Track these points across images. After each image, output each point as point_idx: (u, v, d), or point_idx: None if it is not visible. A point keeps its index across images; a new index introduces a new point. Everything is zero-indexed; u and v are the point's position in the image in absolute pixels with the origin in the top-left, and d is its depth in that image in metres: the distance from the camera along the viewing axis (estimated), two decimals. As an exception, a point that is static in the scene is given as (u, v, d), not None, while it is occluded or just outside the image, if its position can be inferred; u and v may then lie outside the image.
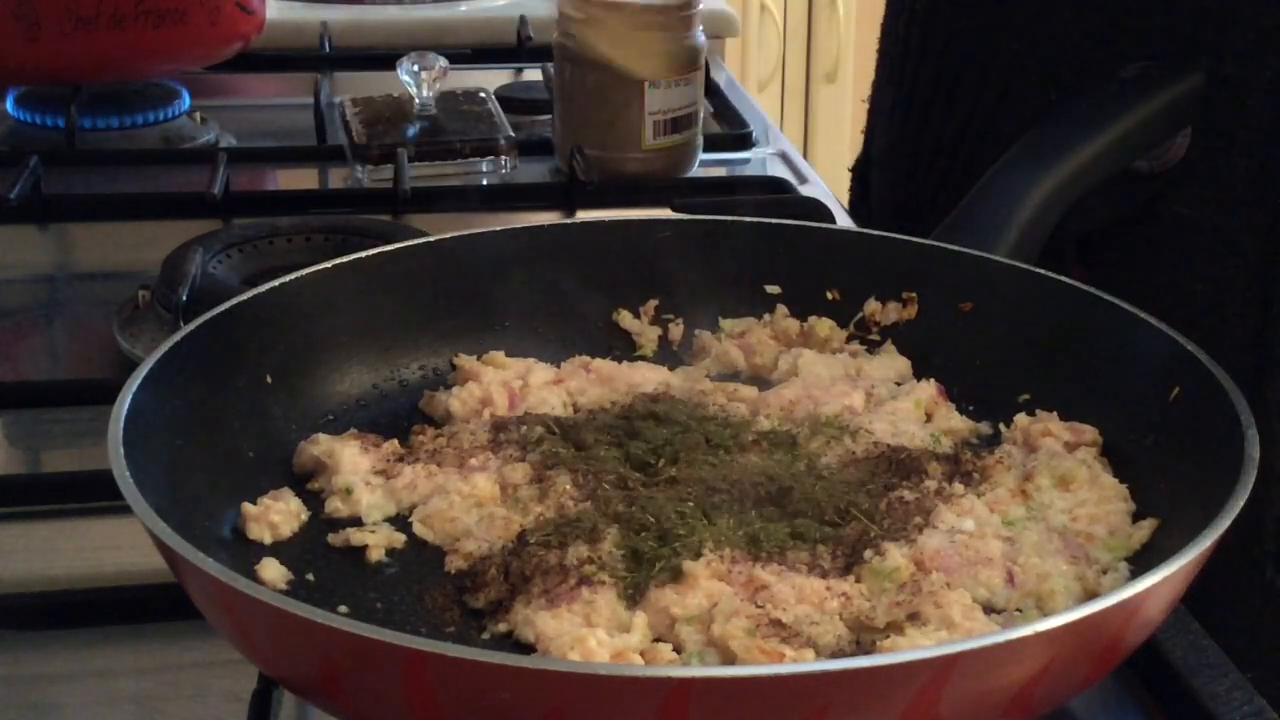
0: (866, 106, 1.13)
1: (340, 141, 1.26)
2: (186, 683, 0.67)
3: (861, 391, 0.74)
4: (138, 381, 0.64)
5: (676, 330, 0.82)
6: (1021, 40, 0.92)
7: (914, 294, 0.79)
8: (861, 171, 1.13)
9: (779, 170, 1.28)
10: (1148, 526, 0.64)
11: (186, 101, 1.35)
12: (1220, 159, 0.86)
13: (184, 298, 0.90)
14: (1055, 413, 0.71)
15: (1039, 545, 0.63)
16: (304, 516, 0.67)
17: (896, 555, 0.61)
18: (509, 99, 1.35)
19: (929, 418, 0.74)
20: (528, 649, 0.59)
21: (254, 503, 0.66)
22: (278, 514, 0.66)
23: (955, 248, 0.78)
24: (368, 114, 1.27)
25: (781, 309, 0.81)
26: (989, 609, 0.61)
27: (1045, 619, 0.50)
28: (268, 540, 0.65)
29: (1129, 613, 0.52)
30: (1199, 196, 0.85)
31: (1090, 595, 0.61)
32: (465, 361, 0.77)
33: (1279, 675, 0.82)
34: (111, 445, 0.59)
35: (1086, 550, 0.64)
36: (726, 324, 0.81)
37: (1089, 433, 0.70)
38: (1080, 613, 0.51)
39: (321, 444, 0.70)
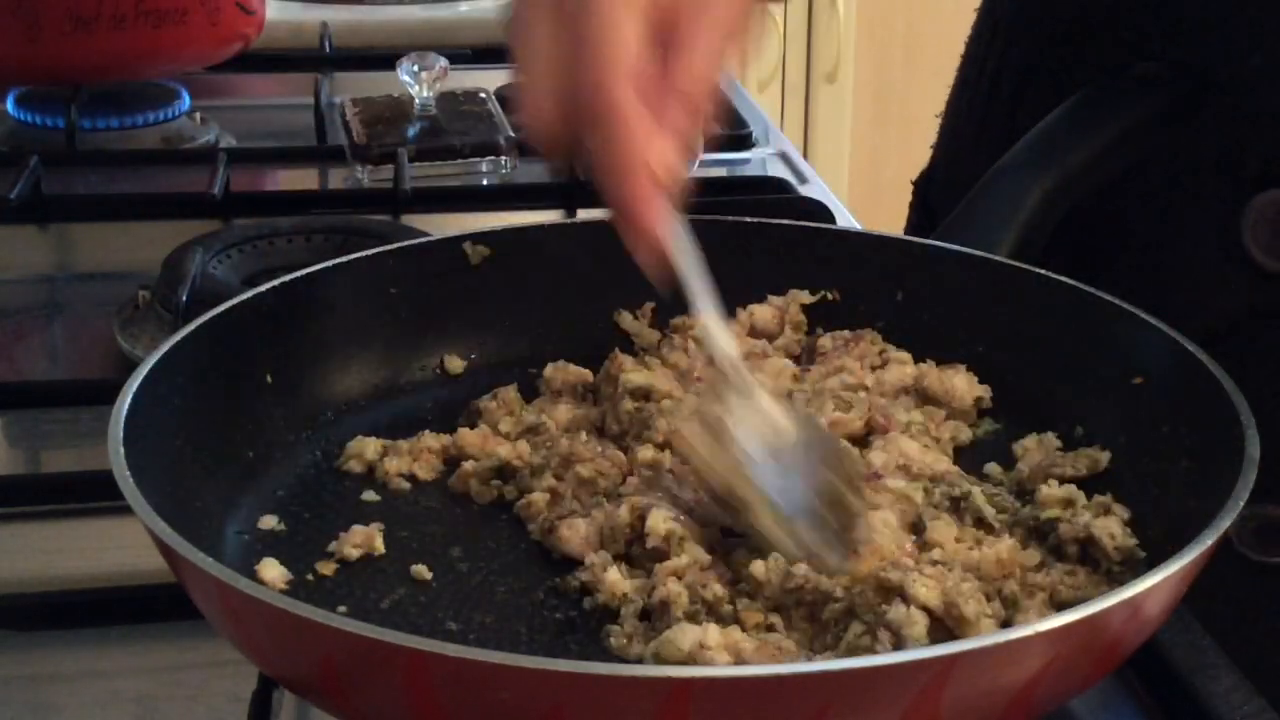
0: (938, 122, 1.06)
1: (340, 141, 1.26)
2: (186, 683, 0.67)
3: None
4: (138, 381, 0.64)
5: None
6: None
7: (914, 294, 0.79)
8: (923, 190, 1.07)
9: (779, 170, 1.28)
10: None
11: (186, 101, 1.35)
12: None
13: (184, 298, 0.90)
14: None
15: None
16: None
17: None
18: (509, 99, 1.35)
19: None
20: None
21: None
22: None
23: (955, 247, 0.78)
24: (368, 114, 1.27)
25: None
26: None
27: (1045, 619, 0.50)
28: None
29: (1129, 613, 0.52)
30: None
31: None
32: None
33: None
34: (111, 445, 0.59)
35: None
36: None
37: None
38: (1080, 613, 0.51)
39: None
